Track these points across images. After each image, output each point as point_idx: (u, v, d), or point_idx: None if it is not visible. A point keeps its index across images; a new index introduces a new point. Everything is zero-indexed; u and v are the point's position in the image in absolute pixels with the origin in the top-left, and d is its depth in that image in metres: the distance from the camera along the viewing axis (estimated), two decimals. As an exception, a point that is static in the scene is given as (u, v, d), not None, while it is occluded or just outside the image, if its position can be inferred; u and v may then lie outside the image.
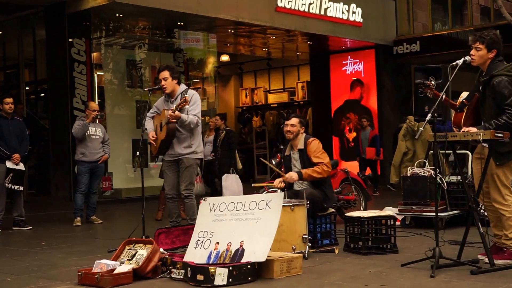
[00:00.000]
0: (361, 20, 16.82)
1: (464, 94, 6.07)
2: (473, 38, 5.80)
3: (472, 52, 5.77)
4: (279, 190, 6.86)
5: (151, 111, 7.48)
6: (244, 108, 22.87)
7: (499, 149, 5.61)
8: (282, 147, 8.87)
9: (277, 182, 7.01)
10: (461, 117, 5.90)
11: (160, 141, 7.28)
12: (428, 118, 5.59)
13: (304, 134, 7.11)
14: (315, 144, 6.95)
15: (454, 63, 5.72)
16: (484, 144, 5.71)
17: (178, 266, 5.48)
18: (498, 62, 5.73)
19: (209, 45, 17.17)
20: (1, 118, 9.45)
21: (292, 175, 6.84)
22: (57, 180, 13.64)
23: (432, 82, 5.79)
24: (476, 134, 5.43)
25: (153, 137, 7.34)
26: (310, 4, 15.52)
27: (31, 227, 9.54)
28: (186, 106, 7.14)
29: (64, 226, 9.78)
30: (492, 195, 5.74)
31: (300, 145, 7.01)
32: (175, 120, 7.12)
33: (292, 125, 7.00)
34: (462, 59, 5.73)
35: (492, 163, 5.67)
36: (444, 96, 5.84)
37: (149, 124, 7.50)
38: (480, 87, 5.78)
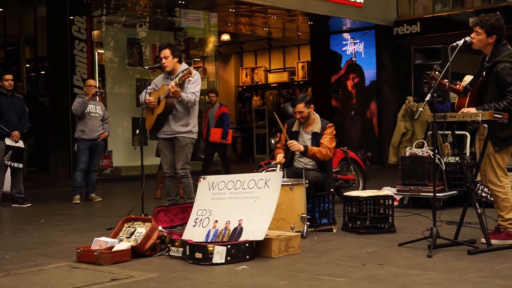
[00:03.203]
0: (362, 1, 16.69)
1: (468, 78, 6.03)
2: (474, 21, 5.76)
3: (472, 35, 5.73)
4: (278, 167, 6.84)
5: (149, 87, 7.37)
6: (244, 87, 22.82)
7: (498, 134, 5.59)
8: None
9: (279, 157, 6.98)
10: (465, 101, 5.86)
11: (157, 115, 7.21)
12: (427, 98, 5.56)
13: (320, 118, 7.10)
14: (331, 129, 7.01)
15: (454, 44, 5.67)
16: (485, 125, 5.69)
17: (177, 244, 5.48)
18: (502, 46, 5.68)
19: (210, 24, 17.09)
20: (1, 95, 9.41)
21: (297, 144, 6.80)
22: (57, 158, 13.63)
23: (436, 73, 5.74)
24: (475, 115, 5.41)
25: (150, 101, 7.21)
26: (311, -17, 15.42)
27: (30, 204, 9.54)
28: (188, 80, 7.07)
29: (63, 204, 9.79)
30: (488, 175, 5.74)
31: (317, 129, 6.98)
32: (173, 96, 7.04)
33: (300, 112, 6.96)
34: (462, 40, 5.68)
35: (490, 145, 5.65)
36: (448, 84, 5.81)
37: (143, 96, 7.34)
38: (484, 72, 5.74)
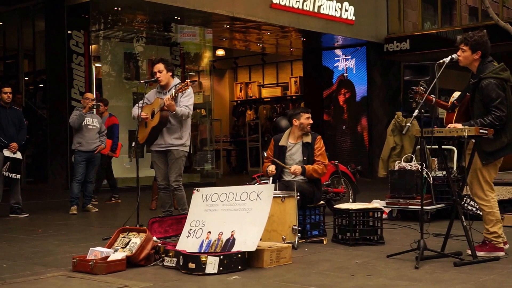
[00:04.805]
0: (353, 18, 16.81)
1: (456, 94, 6.09)
2: (459, 39, 5.83)
3: (458, 52, 5.80)
4: (270, 180, 6.88)
5: (141, 101, 7.38)
6: (239, 101, 22.87)
7: (485, 148, 5.64)
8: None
9: (271, 168, 7.01)
10: (453, 117, 5.92)
11: (151, 128, 7.23)
12: (415, 114, 5.61)
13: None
14: (322, 143, 7.10)
15: (441, 61, 5.73)
16: (473, 140, 5.74)
17: (171, 254, 5.50)
18: (488, 63, 5.73)
19: (205, 40, 17.15)
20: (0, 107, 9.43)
21: (296, 169, 6.87)
22: (54, 169, 13.61)
23: (421, 88, 5.80)
24: (461, 130, 5.46)
25: (144, 116, 7.22)
26: (304, 1, 15.49)
27: (28, 215, 9.53)
28: (182, 94, 7.09)
29: (60, 214, 9.77)
30: (474, 189, 5.78)
31: (308, 139, 7.07)
32: (168, 109, 7.06)
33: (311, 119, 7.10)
34: (449, 57, 5.75)
35: (478, 159, 5.69)
36: (435, 99, 5.85)
37: (135, 111, 7.36)
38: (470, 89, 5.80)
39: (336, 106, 18.47)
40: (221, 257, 5.22)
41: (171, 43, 16.31)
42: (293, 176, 6.99)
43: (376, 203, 7.82)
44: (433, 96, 5.82)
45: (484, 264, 5.45)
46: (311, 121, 7.13)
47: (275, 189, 6.44)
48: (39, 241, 7.21)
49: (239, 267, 5.29)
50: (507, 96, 5.64)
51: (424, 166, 6.14)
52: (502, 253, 5.74)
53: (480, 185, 5.73)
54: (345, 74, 18.30)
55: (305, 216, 6.74)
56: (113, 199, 11.65)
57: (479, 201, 5.77)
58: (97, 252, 5.50)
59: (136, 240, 5.67)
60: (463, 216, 5.61)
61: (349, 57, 18.20)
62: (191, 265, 5.22)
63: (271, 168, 7.01)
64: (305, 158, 7.00)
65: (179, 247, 5.60)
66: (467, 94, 5.86)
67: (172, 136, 7.25)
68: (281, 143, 7.15)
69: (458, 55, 5.79)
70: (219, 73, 22.60)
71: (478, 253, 5.60)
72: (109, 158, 11.43)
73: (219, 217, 5.71)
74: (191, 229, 5.74)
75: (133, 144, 7.32)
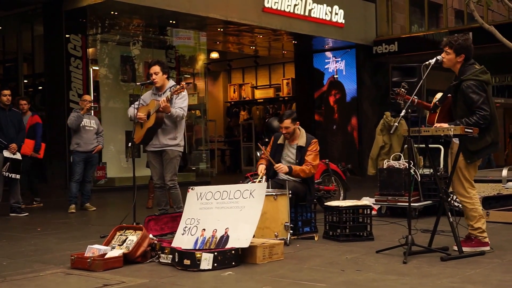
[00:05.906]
0: (343, 21, 16.82)
1: (439, 95, 6.11)
2: (444, 42, 5.85)
3: (442, 54, 5.82)
4: (263, 179, 6.88)
5: (136, 102, 7.35)
6: (232, 103, 22.87)
7: (469, 147, 5.66)
8: (267, 140, 8.88)
9: (261, 168, 7.01)
10: (435, 117, 5.95)
11: (147, 129, 7.22)
12: (402, 114, 5.63)
13: (305, 132, 7.14)
14: (315, 146, 7.03)
15: (427, 62, 5.76)
16: (455, 140, 5.77)
17: (166, 251, 5.49)
18: (469, 65, 5.76)
19: (199, 43, 17.14)
20: (-1, 109, 9.41)
21: (283, 167, 6.84)
22: (53, 169, 13.56)
23: (402, 90, 5.82)
24: (447, 130, 5.48)
25: (140, 117, 7.19)
26: (295, 5, 15.50)
27: (27, 214, 9.51)
28: (176, 96, 7.09)
29: (59, 213, 9.75)
30: (456, 187, 5.82)
31: (302, 143, 7.02)
32: (163, 110, 7.05)
33: (286, 127, 6.99)
34: (435, 58, 5.77)
35: (460, 157, 5.71)
36: (416, 100, 5.87)
37: (131, 111, 7.33)
38: (452, 90, 5.83)
39: (326, 106, 18.48)
40: (216, 253, 5.22)
41: (167, 46, 16.29)
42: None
43: (366, 201, 7.83)
44: (415, 97, 5.84)
45: (470, 258, 5.46)
46: (286, 131, 6.96)
47: (268, 187, 6.44)
48: (38, 239, 7.19)
49: (233, 263, 5.29)
50: (488, 97, 5.67)
51: (412, 164, 6.14)
52: (488, 248, 5.77)
53: (461, 182, 5.76)
54: (335, 76, 18.31)
55: (297, 213, 6.75)
56: (34, 203, 10.72)
57: (461, 198, 5.81)
58: (94, 249, 5.49)
59: (132, 237, 5.67)
60: (449, 213, 5.63)
61: (339, 59, 18.21)
62: (186, 262, 5.22)
63: (261, 168, 7.01)
64: (297, 161, 6.99)
65: (175, 244, 5.59)
66: (449, 95, 5.89)
67: (167, 136, 7.25)
68: (280, 141, 7.16)
69: (443, 57, 5.81)
70: (213, 75, 22.60)
71: (464, 249, 5.62)
72: (32, 160, 10.44)
73: (213, 214, 5.72)
74: (186, 227, 5.74)
75: (129, 144, 7.29)
